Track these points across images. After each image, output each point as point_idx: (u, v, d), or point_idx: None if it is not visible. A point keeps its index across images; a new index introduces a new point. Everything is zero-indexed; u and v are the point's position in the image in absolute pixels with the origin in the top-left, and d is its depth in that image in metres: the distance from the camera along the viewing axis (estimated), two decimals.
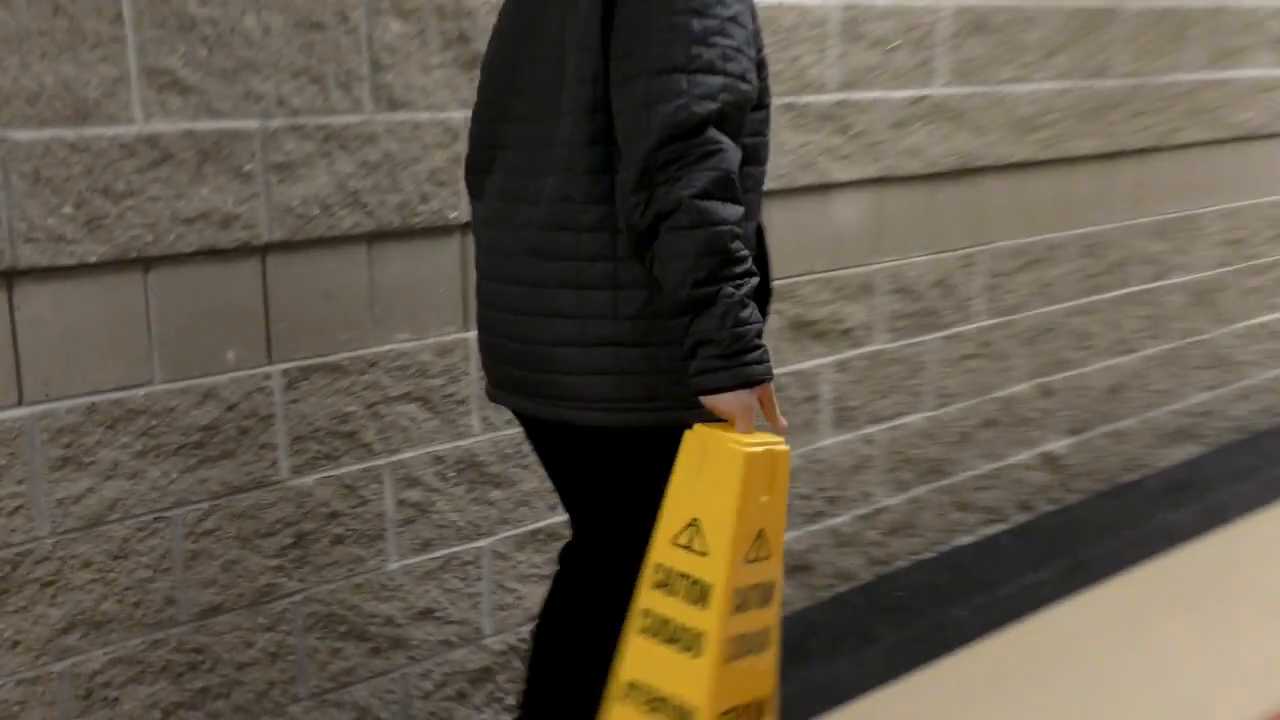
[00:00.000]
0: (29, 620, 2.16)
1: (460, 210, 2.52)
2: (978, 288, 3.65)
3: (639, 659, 1.86)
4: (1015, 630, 3.30)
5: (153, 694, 2.31)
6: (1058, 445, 4.05)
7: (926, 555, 3.72)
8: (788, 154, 3.05)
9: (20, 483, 2.11)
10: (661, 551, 1.83)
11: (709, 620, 1.77)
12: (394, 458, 2.54)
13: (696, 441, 1.81)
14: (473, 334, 2.59)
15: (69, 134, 2.06)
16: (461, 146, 2.51)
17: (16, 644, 2.15)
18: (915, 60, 3.32)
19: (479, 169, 2.07)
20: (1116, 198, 4.02)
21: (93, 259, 2.11)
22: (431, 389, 2.57)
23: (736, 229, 1.76)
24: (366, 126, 2.38)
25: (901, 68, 3.29)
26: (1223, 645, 3.22)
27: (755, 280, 1.80)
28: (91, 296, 2.13)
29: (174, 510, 2.28)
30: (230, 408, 2.31)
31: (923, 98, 3.35)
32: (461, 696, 2.74)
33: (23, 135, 2.02)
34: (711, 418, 1.83)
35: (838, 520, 3.43)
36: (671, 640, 1.82)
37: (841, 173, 3.19)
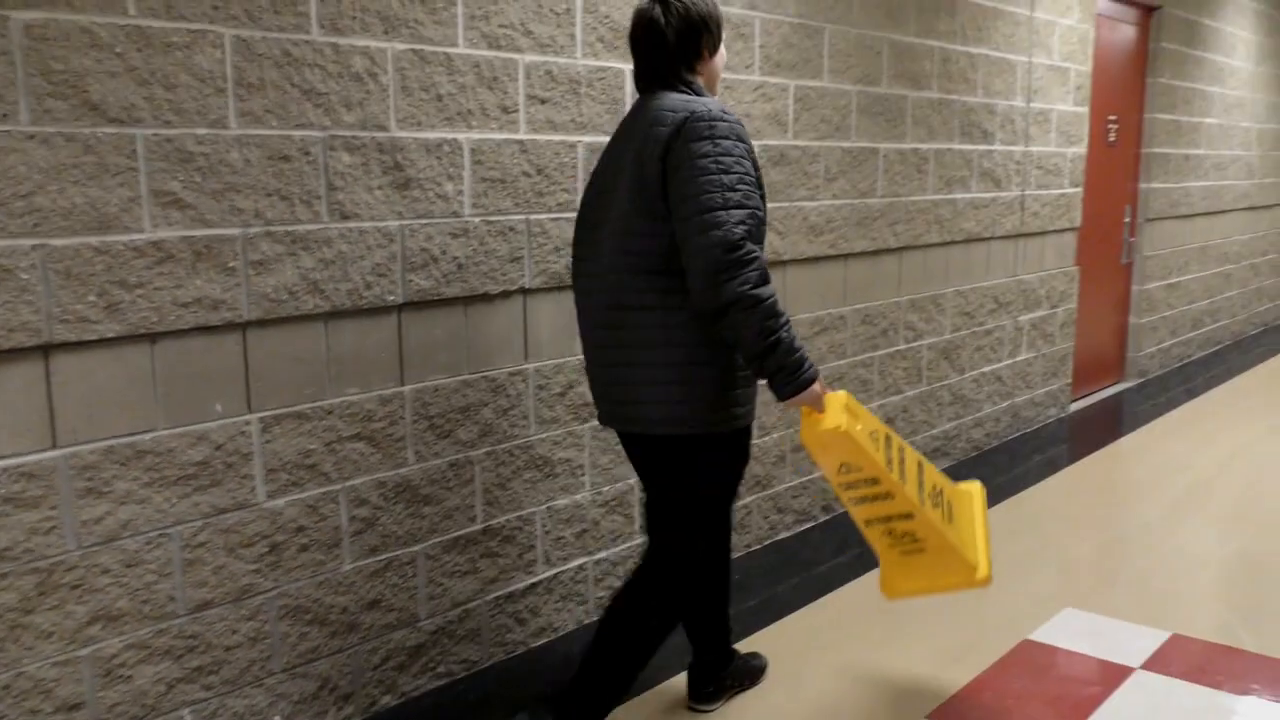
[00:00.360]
0: (61, 615, 2.07)
1: (397, 294, 2.52)
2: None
3: (862, 513, 2.37)
4: (824, 600, 3.35)
5: (158, 672, 2.23)
6: None
7: (757, 547, 3.76)
8: None
9: (54, 508, 2.04)
10: (836, 479, 2.29)
11: (887, 483, 2.27)
12: (347, 483, 2.51)
13: (813, 434, 2.20)
14: (408, 387, 2.59)
15: (93, 240, 2.03)
16: (397, 248, 2.52)
17: (51, 634, 2.07)
18: None
19: (576, 255, 2.36)
20: (883, 282, 4.17)
21: (111, 335, 2.07)
22: (376, 430, 2.54)
23: (775, 299, 2.07)
24: (324, 232, 2.38)
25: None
26: (977, 610, 3.30)
27: (789, 320, 2.11)
28: (109, 364, 2.08)
29: (174, 528, 2.22)
30: (218, 447, 2.26)
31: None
32: (402, 668, 2.69)
33: (58, 241, 1.98)
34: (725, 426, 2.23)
35: None
36: (874, 500, 2.33)
37: None
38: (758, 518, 3.75)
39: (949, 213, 4.47)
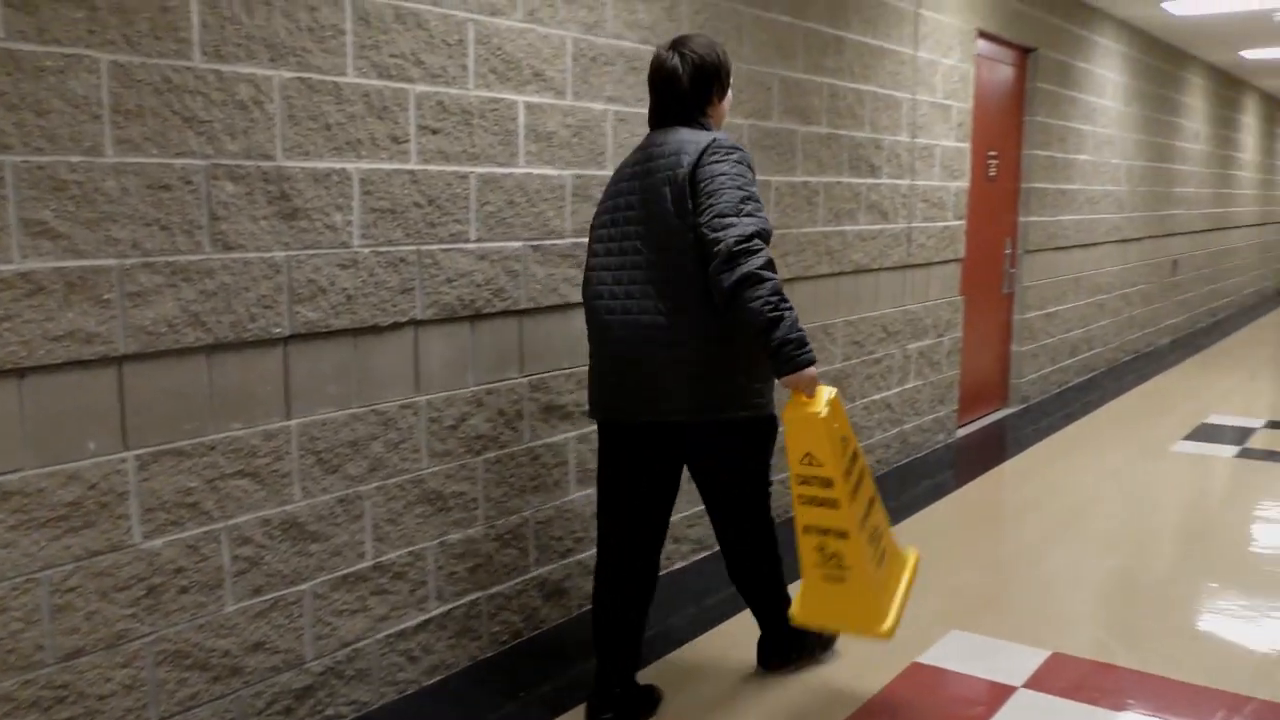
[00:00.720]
0: None
1: (284, 326, 2.47)
2: None
3: (804, 516, 2.49)
4: (717, 630, 3.37)
5: None
6: None
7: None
8: (537, 283, 3.11)
9: None
10: (796, 468, 2.45)
11: (839, 490, 2.42)
12: (230, 522, 2.43)
13: (794, 414, 2.42)
14: (294, 421, 2.53)
15: None
16: (284, 279, 2.47)
17: None
18: None
19: (591, 267, 2.66)
20: None
21: None
22: (260, 466, 2.48)
23: (779, 283, 2.38)
24: (205, 263, 2.32)
25: None
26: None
27: (793, 307, 2.42)
28: None
29: (43, 572, 2.12)
30: (91, 486, 2.17)
31: None
32: (288, 711, 2.61)
33: None
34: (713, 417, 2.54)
35: (585, 554, 3.46)
36: (820, 504, 2.46)
37: (577, 295, 3.27)
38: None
39: (839, 244, 4.59)
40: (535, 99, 3.05)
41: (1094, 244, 7.78)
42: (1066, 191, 7.15)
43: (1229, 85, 11.54)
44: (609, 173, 3.34)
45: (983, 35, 5.87)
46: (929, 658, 3.14)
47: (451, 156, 2.82)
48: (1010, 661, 3.12)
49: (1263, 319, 11.89)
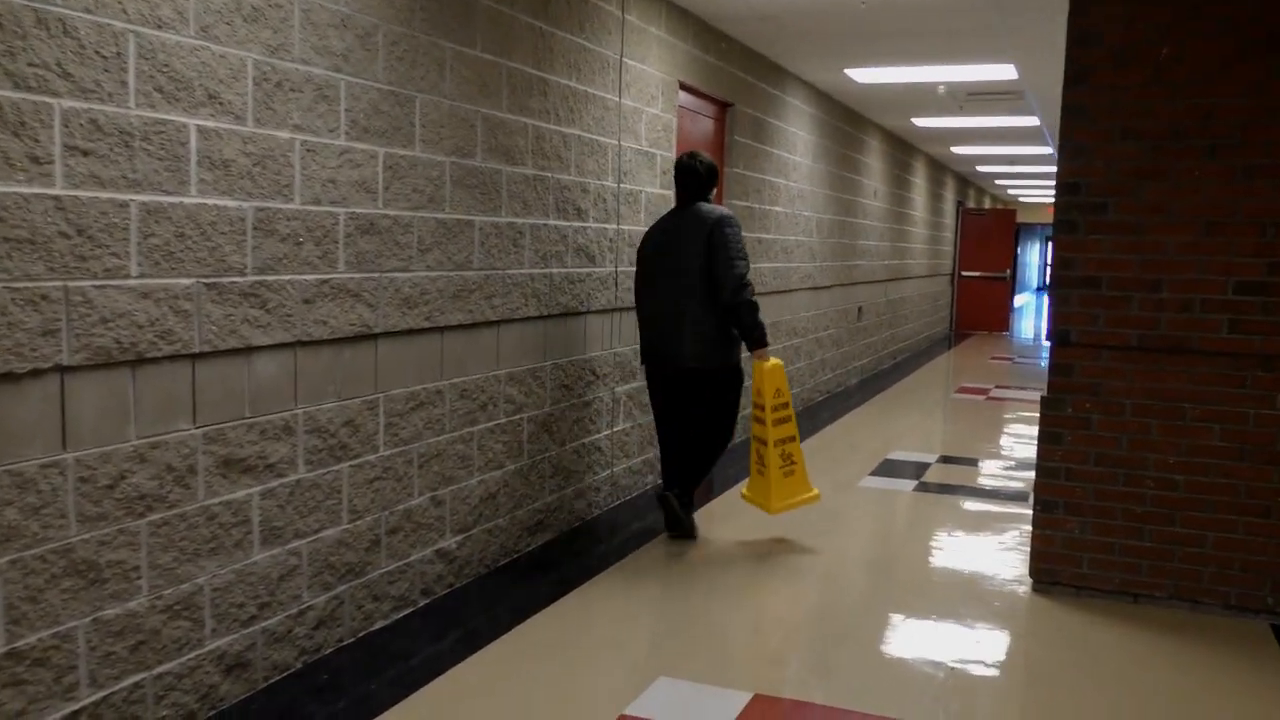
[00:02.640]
0: None
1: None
2: (380, 425, 3.59)
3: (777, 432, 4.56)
4: (421, 693, 3.19)
5: None
6: (449, 542, 4.04)
7: (349, 641, 3.53)
8: (213, 324, 2.84)
9: None
10: (770, 401, 4.47)
11: (764, 432, 4.53)
12: None
13: (762, 367, 4.51)
14: None
15: None
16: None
17: None
18: (320, 252, 3.25)
19: (644, 286, 4.70)
20: (481, 355, 4.15)
21: None
22: None
23: (758, 307, 4.47)
24: None
25: (308, 257, 3.20)
26: (574, 687, 3.30)
27: (763, 319, 4.55)
28: None
29: None
30: None
31: (327, 280, 3.28)
32: None
33: None
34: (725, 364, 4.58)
35: (270, 621, 3.17)
36: (785, 421, 4.59)
37: (262, 338, 3.03)
38: (350, 608, 3.53)
39: (546, 286, 4.56)
40: (210, 123, 2.80)
41: (790, 290, 8.27)
42: (764, 240, 7.56)
43: (902, 149, 12.75)
44: (297, 206, 3.13)
45: (684, 87, 6.10)
46: (636, 708, 3.11)
47: (107, 182, 2.52)
48: (715, 707, 3.15)
49: (934, 361, 13.14)
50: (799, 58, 7.43)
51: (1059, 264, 4.04)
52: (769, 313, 7.86)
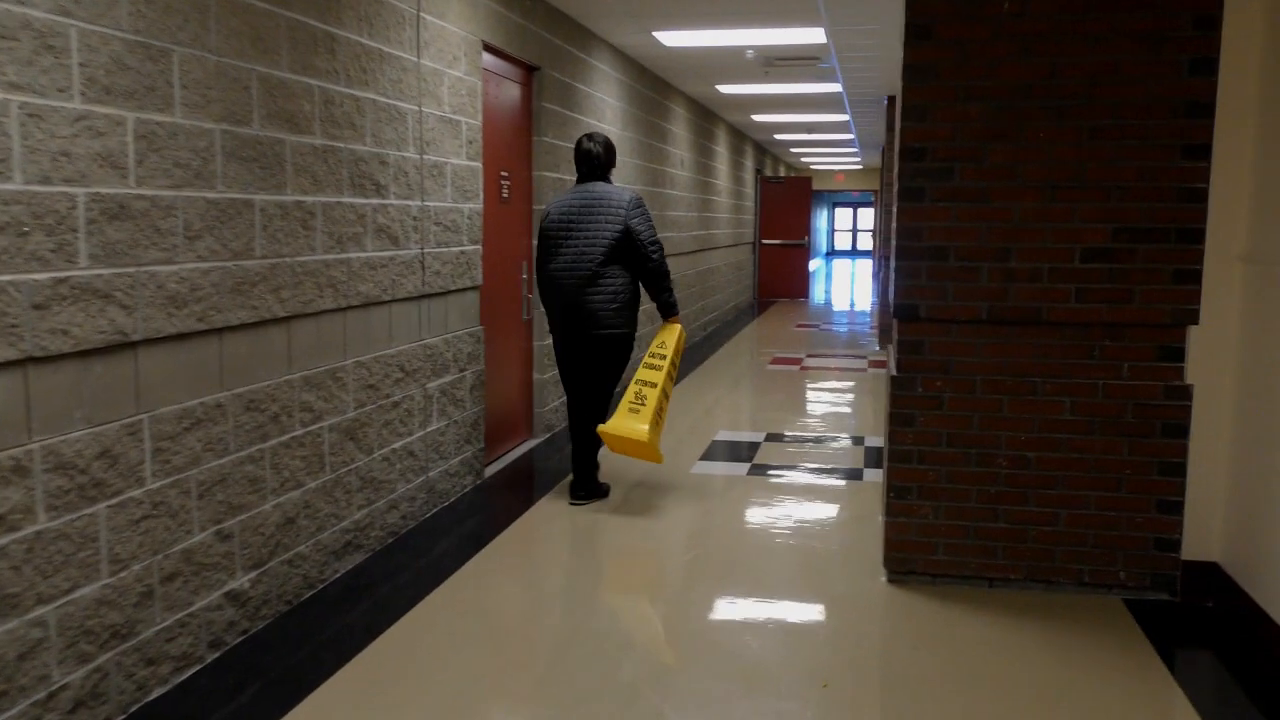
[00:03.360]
0: None
1: None
2: (146, 452, 2.96)
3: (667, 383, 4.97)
4: None
5: None
6: (240, 582, 3.44)
7: (119, 719, 2.90)
8: None
9: None
10: (672, 356, 4.96)
11: (659, 377, 4.92)
12: None
13: (672, 330, 5.03)
14: None
15: None
16: None
17: None
18: (53, 243, 2.59)
19: (552, 256, 4.96)
20: (269, 359, 3.55)
21: None
22: None
23: (669, 273, 5.16)
24: None
25: (38, 251, 2.54)
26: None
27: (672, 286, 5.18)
28: None
29: None
30: None
31: (65, 279, 2.63)
32: None
33: None
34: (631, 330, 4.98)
35: (11, 713, 2.53)
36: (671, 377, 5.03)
37: None
38: (118, 679, 2.90)
39: (344, 274, 3.99)
40: None
41: None
42: None
43: (705, 117, 12.59)
44: (17, 186, 2.46)
45: (489, 49, 5.58)
46: None
47: None
48: None
49: (742, 332, 13.13)
50: (606, 18, 7.02)
51: (904, 234, 3.82)
52: None
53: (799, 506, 5.08)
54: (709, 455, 6.17)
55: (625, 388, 5.66)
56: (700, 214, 12.24)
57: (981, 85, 3.69)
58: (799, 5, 6.57)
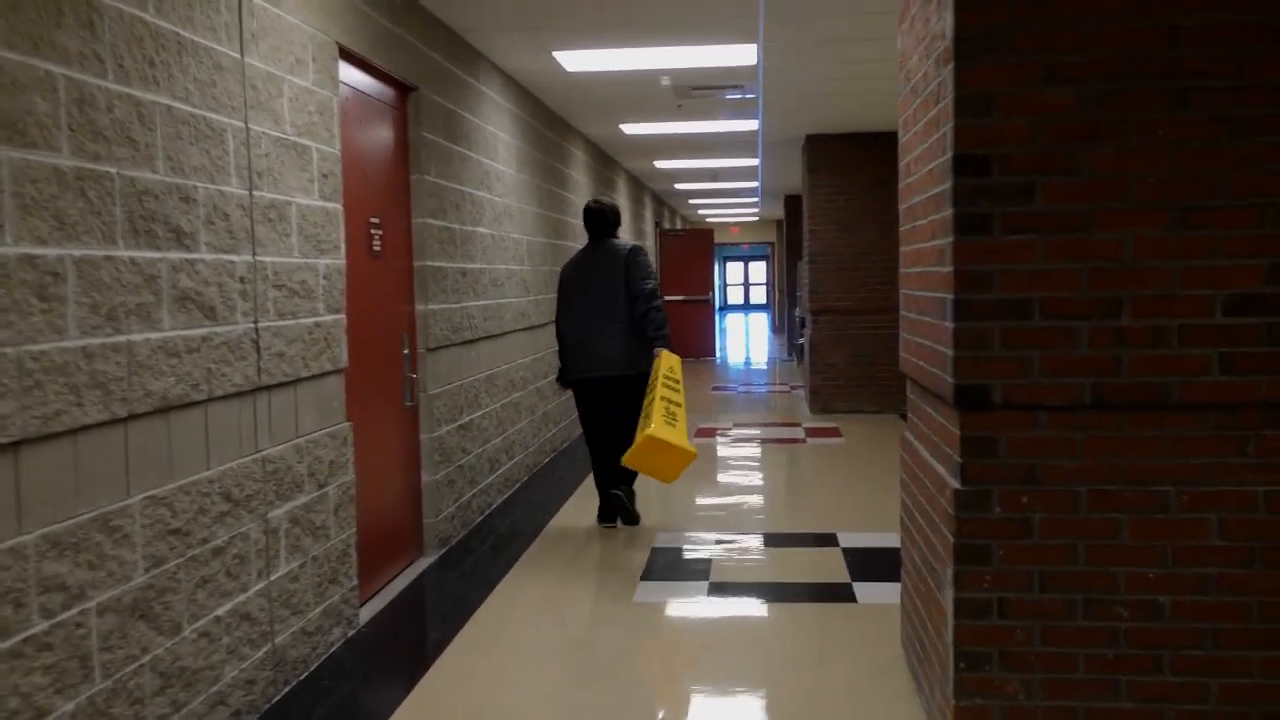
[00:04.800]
0: None
1: None
2: None
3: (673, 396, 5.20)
4: None
5: None
6: None
7: None
8: None
9: None
10: (668, 378, 5.25)
11: (680, 398, 5.26)
12: None
13: (666, 359, 5.34)
14: None
15: None
16: None
17: None
18: None
19: (571, 310, 5.54)
20: None
21: None
22: None
23: (665, 315, 5.49)
24: None
25: None
26: None
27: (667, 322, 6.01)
28: None
29: None
30: None
31: None
32: None
33: None
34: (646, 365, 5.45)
35: None
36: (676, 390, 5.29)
37: None
38: None
39: (120, 366, 2.59)
40: None
41: (504, 333, 6.58)
42: (469, 271, 5.82)
43: (604, 163, 11.44)
44: None
45: (349, 57, 4.27)
46: None
47: None
48: None
49: None
50: (499, 34, 5.78)
51: (964, 282, 2.62)
52: (481, 363, 6.14)
53: (783, 652, 3.80)
54: (653, 571, 4.85)
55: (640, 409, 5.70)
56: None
57: (1073, 61, 2.55)
58: (733, 15, 5.45)
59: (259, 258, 3.33)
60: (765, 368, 15.75)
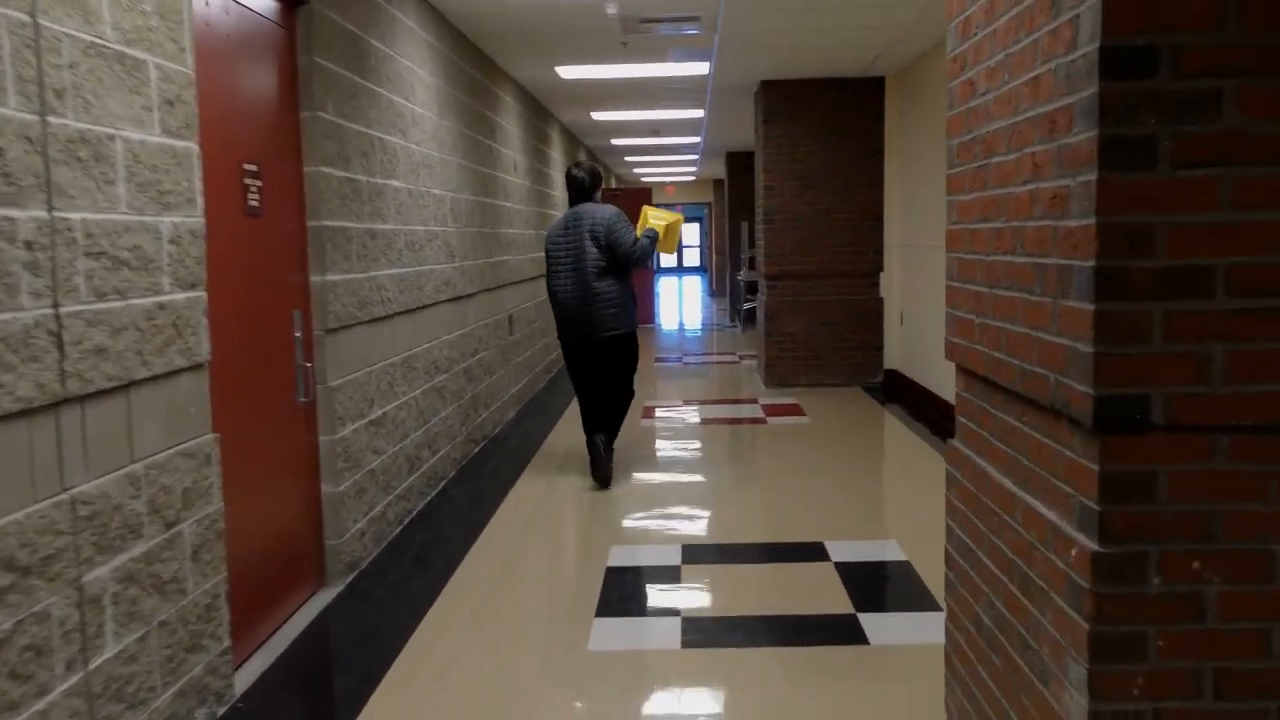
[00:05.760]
0: None
1: None
2: None
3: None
4: None
5: None
6: None
7: None
8: None
9: None
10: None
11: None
12: None
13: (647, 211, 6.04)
14: None
15: None
16: None
17: None
18: None
19: (553, 274, 5.73)
20: None
21: None
22: None
23: (645, 254, 5.74)
24: None
25: None
26: None
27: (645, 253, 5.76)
28: None
29: None
30: None
31: None
32: None
33: None
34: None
35: None
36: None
37: None
38: None
39: None
40: None
41: (423, 307, 5.59)
42: (379, 233, 4.82)
43: (539, 113, 10.41)
44: None
45: None
46: None
47: None
48: None
49: None
50: None
51: (1111, 242, 1.75)
52: (396, 343, 5.15)
53: None
54: (609, 606, 3.95)
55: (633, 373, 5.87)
56: (538, 231, 10.03)
57: None
58: None
59: (59, 213, 2.33)
60: (706, 335, 14.91)
